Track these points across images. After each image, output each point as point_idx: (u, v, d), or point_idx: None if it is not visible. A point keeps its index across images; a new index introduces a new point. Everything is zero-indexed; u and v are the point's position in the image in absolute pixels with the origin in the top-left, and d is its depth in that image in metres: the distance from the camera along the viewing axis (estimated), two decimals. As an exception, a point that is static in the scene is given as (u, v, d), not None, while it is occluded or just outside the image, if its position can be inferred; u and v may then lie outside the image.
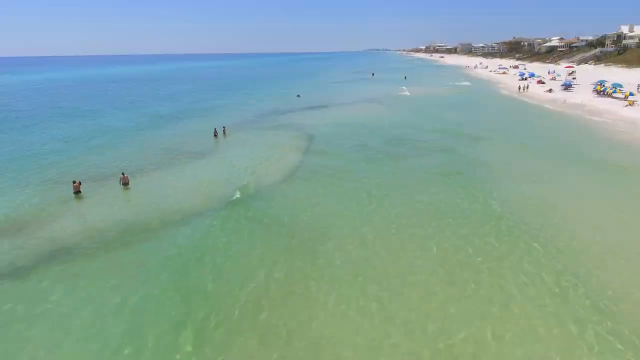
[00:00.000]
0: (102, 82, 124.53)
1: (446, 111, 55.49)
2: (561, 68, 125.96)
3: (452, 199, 22.53)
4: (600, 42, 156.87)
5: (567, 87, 73.93)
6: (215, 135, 38.85)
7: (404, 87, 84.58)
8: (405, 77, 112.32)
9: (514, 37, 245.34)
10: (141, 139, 38.53)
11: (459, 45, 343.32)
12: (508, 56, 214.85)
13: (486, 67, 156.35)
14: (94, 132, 42.42)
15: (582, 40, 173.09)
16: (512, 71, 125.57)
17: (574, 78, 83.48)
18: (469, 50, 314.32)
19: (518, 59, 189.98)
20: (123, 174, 25.26)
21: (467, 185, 24.74)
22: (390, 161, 31.08)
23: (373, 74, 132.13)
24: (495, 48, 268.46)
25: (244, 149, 34.63)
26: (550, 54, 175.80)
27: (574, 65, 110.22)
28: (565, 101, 60.22)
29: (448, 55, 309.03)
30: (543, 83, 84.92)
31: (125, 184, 24.86)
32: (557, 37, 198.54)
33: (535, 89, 77.76)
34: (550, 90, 71.93)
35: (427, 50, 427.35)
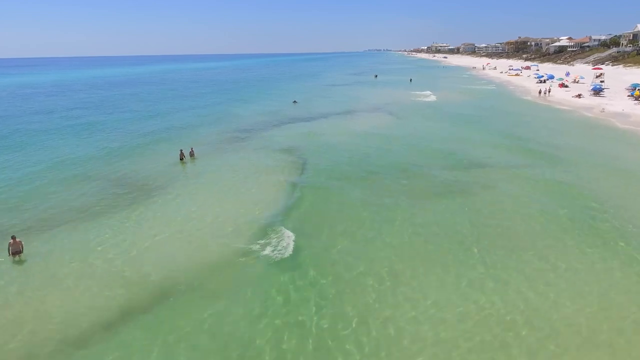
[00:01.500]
0: (82, 86, 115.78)
1: (487, 120, 47.12)
2: (575, 69, 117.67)
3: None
4: (614, 42, 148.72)
5: (597, 91, 65.42)
6: (181, 159, 30.20)
7: (429, 92, 75.88)
8: (410, 80, 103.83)
9: (520, 37, 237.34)
10: (83, 167, 29.36)
11: (462, 46, 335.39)
12: (514, 56, 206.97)
13: (494, 68, 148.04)
14: (22, 160, 31.85)
15: (594, 40, 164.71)
16: (526, 72, 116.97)
17: (602, 81, 74.84)
18: (472, 51, 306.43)
19: (526, 59, 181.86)
20: (13, 237, 16.45)
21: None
22: (445, 199, 21.77)
23: (376, 76, 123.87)
24: (500, 48, 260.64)
25: (215, 182, 25.45)
26: (561, 54, 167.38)
27: (602, 67, 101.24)
28: (604, 109, 51.62)
29: (451, 56, 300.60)
30: (566, 86, 76.52)
31: (17, 252, 16.21)
32: (566, 37, 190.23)
33: (559, 93, 69.26)
34: (579, 96, 63.43)
35: (429, 50, 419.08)
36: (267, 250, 16.47)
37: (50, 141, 38.55)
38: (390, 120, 48.53)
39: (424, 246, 16.67)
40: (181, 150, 30.57)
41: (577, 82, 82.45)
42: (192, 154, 31.03)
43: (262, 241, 17.26)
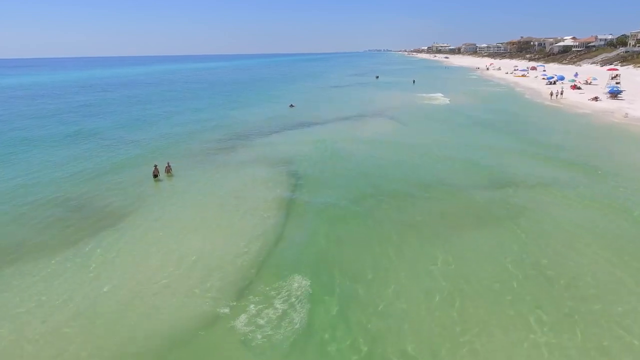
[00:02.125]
0: (78, 88, 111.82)
1: (507, 125, 43.17)
2: (582, 69, 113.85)
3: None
4: (621, 42, 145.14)
5: (614, 94, 61.46)
6: (155, 176, 25.85)
7: (439, 94, 71.90)
8: (414, 82, 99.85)
9: (522, 37, 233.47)
10: (49, 188, 25.12)
11: (463, 46, 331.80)
12: (517, 57, 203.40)
13: (499, 68, 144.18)
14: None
15: (600, 40, 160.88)
16: (533, 73, 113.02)
17: (618, 83, 70.88)
18: (473, 51, 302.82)
19: (530, 59, 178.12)
20: None
21: None
22: (478, 230, 17.80)
23: (377, 77, 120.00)
24: (502, 48, 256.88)
25: (194, 207, 21.25)
26: (566, 54, 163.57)
27: (617, 68, 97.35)
28: (627, 114, 47.66)
29: (452, 56, 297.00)
30: (579, 88, 72.66)
31: None
32: (570, 37, 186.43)
33: (573, 95, 65.37)
34: (596, 99, 59.44)
35: (430, 50, 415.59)
36: (254, 315, 12.43)
37: (22, 154, 34.21)
38: (400, 126, 44.43)
39: (460, 309, 12.65)
40: (155, 166, 26.14)
41: (590, 84, 78.63)
42: (168, 170, 26.69)
43: (247, 301, 13.23)
